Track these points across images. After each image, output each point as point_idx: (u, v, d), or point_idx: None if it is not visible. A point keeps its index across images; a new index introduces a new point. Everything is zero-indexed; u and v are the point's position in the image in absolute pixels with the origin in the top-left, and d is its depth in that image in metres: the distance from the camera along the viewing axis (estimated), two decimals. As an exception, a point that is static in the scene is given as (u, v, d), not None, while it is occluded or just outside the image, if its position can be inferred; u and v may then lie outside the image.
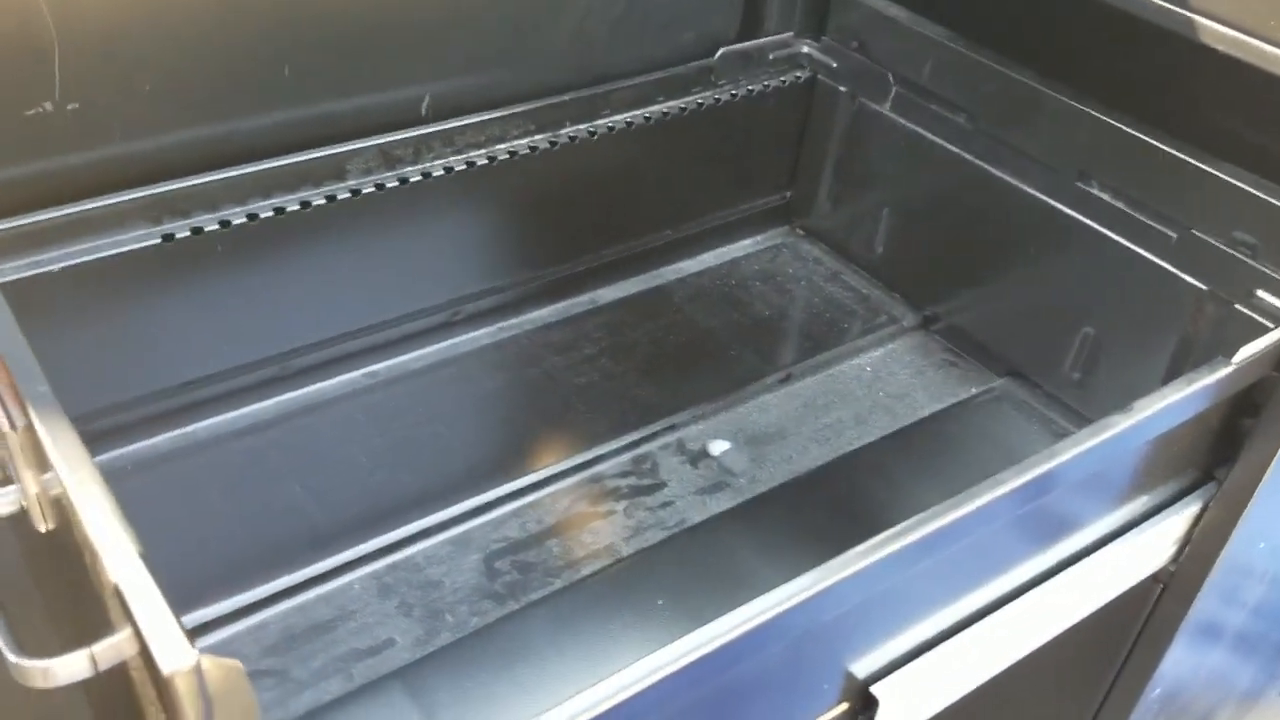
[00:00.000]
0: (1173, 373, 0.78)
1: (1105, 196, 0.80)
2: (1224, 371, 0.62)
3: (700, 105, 0.93)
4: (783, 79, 0.97)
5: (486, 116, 0.82)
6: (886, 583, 0.51)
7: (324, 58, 0.74)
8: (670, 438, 0.82)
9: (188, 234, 0.71)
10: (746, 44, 0.95)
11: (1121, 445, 0.60)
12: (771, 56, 0.96)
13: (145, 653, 0.28)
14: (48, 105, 0.64)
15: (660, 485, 0.78)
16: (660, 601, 0.68)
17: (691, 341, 0.91)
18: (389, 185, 0.78)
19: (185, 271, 0.72)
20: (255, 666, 0.62)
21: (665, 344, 0.91)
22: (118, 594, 0.29)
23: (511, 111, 0.83)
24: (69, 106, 0.65)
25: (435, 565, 0.70)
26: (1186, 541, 0.71)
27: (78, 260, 0.68)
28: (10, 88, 0.63)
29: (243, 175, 0.72)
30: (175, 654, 0.27)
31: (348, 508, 0.73)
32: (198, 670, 0.27)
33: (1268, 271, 0.71)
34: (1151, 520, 0.68)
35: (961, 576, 0.59)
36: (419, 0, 0.76)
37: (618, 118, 0.88)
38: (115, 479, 0.74)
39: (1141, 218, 0.78)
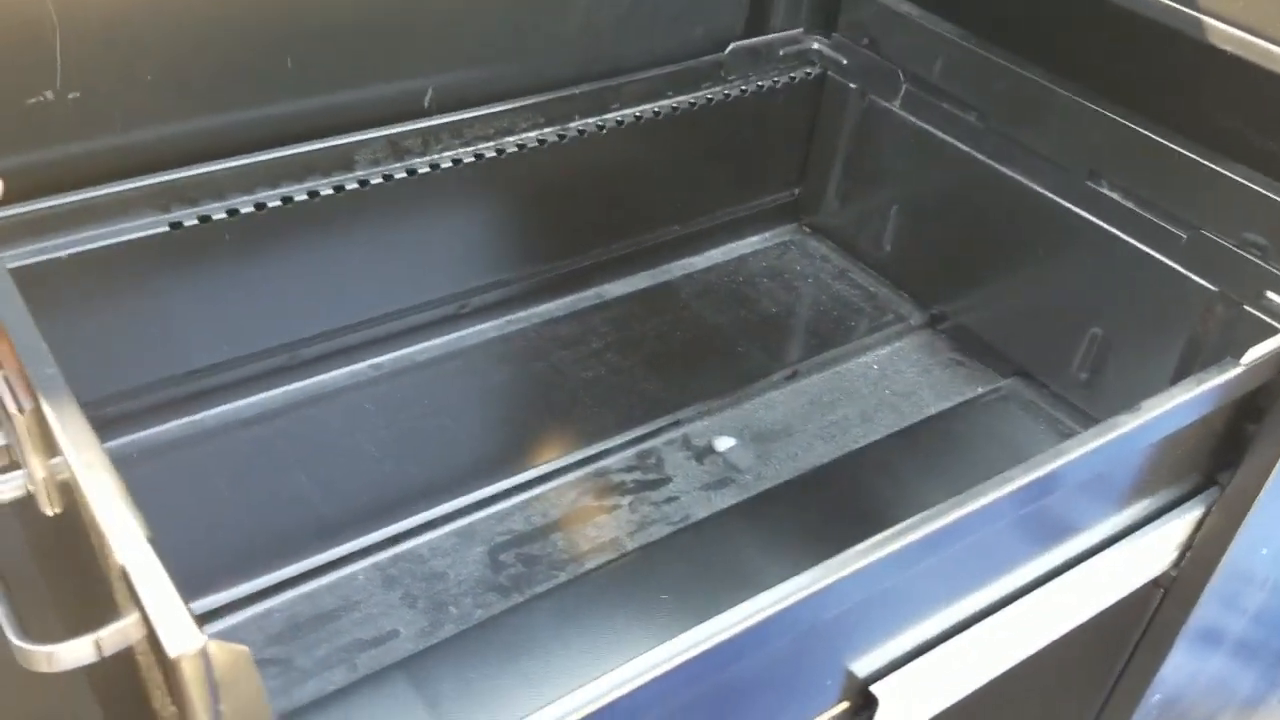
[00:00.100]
0: (1181, 374, 0.78)
1: (1115, 196, 0.79)
2: (1233, 372, 0.62)
3: (710, 100, 0.92)
4: (792, 75, 0.97)
5: (495, 109, 0.82)
6: (888, 581, 0.51)
7: (327, 49, 0.73)
8: (676, 433, 0.82)
9: (195, 222, 0.71)
10: (756, 39, 0.94)
11: (1129, 445, 0.60)
12: (782, 52, 0.96)
13: (152, 636, 0.28)
14: (48, 94, 0.64)
15: (665, 480, 0.78)
16: (664, 596, 0.68)
17: (698, 337, 0.91)
18: (397, 176, 0.78)
19: (193, 260, 0.72)
20: (259, 655, 0.62)
21: (672, 339, 0.91)
22: (125, 577, 0.29)
23: (520, 104, 0.83)
24: (70, 95, 0.65)
25: (440, 557, 0.70)
26: (1188, 546, 0.71)
27: (86, 247, 0.68)
28: (11, 75, 0.63)
29: (251, 164, 0.72)
30: (182, 638, 0.27)
31: (353, 498, 0.73)
32: (204, 654, 0.27)
33: (1278, 273, 0.71)
34: (1153, 524, 0.68)
35: (963, 577, 0.59)
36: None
37: (627, 111, 0.88)
38: (122, 466, 0.75)
39: (1151, 218, 0.78)
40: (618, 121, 0.88)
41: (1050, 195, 0.83)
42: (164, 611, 0.27)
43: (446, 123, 0.80)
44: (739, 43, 0.93)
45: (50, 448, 0.39)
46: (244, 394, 0.78)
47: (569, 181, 0.88)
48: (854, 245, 1.02)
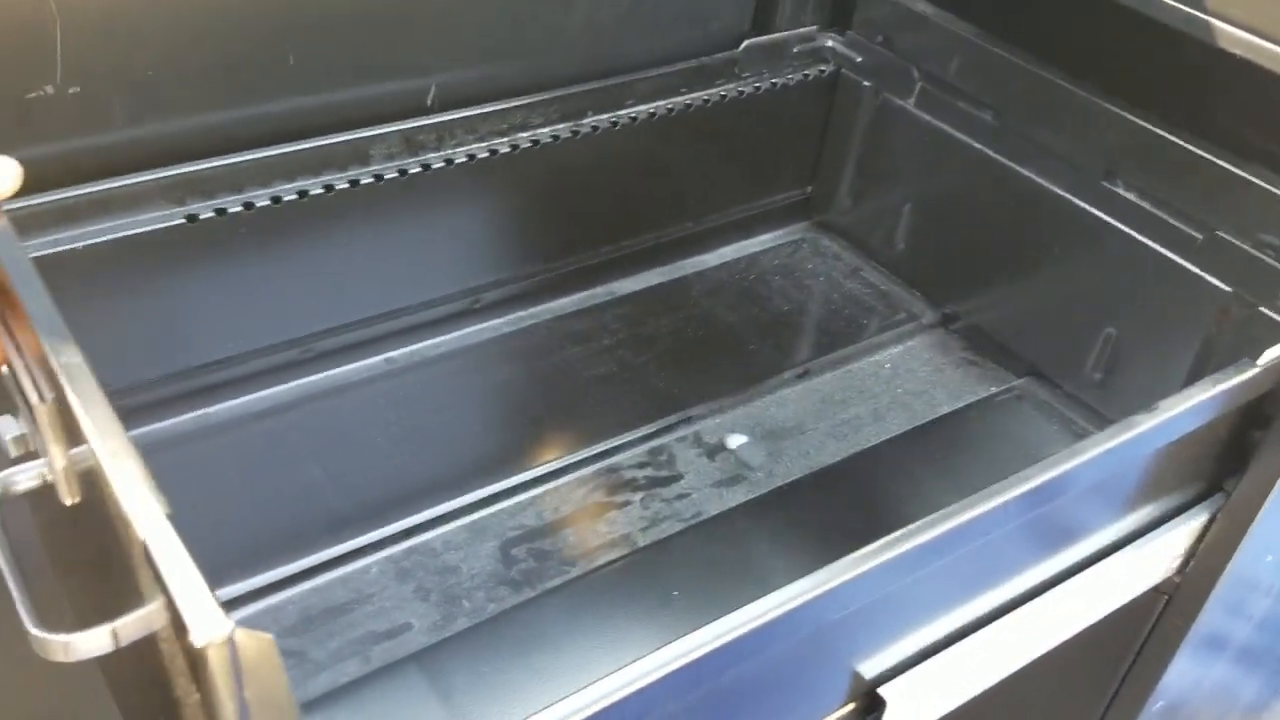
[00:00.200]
0: (1195, 375, 0.77)
1: (1131, 196, 0.79)
2: (1249, 374, 0.62)
3: (723, 97, 0.92)
4: (806, 73, 0.97)
5: (510, 104, 0.82)
6: (896, 584, 0.51)
7: (327, 44, 0.73)
8: (687, 430, 0.82)
9: (211, 215, 0.71)
10: (770, 37, 0.94)
11: (1145, 445, 0.60)
12: (796, 50, 0.96)
13: (177, 624, 0.28)
14: (49, 88, 0.64)
15: (677, 477, 0.78)
16: (675, 592, 0.68)
17: (710, 335, 0.91)
18: (411, 171, 0.78)
19: (208, 252, 0.72)
20: (273, 647, 0.62)
21: (683, 337, 0.91)
22: (151, 564, 0.29)
23: (535, 99, 0.83)
24: (70, 90, 0.65)
25: (452, 551, 0.70)
26: (1192, 553, 0.70)
27: (101, 239, 0.68)
28: (11, 70, 0.63)
29: (267, 158, 0.72)
30: (209, 625, 0.27)
31: (366, 492, 0.73)
32: (231, 642, 0.27)
33: (1294, 275, 0.71)
34: (1158, 530, 0.67)
35: (970, 579, 0.59)
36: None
37: (641, 108, 0.88)
38: (135, 458, 0.75)
39: (1167, 218, 0.77)
40: (631, 118, 0.88)
41: (1065, 195, 0.83)
42: (191, 599, 0.27)
43: (461, 118, 0.80)
44: (752, 40, 0.93)
45: (72, 436, 0.39)
46: (257, 387, 0.78)
47: (582, 177, 0.88)
48: (866, 244, 1.02)
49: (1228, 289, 0.74)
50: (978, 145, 0.88)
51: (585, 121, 0.86)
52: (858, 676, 0.56)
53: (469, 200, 0.83)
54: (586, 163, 0.87)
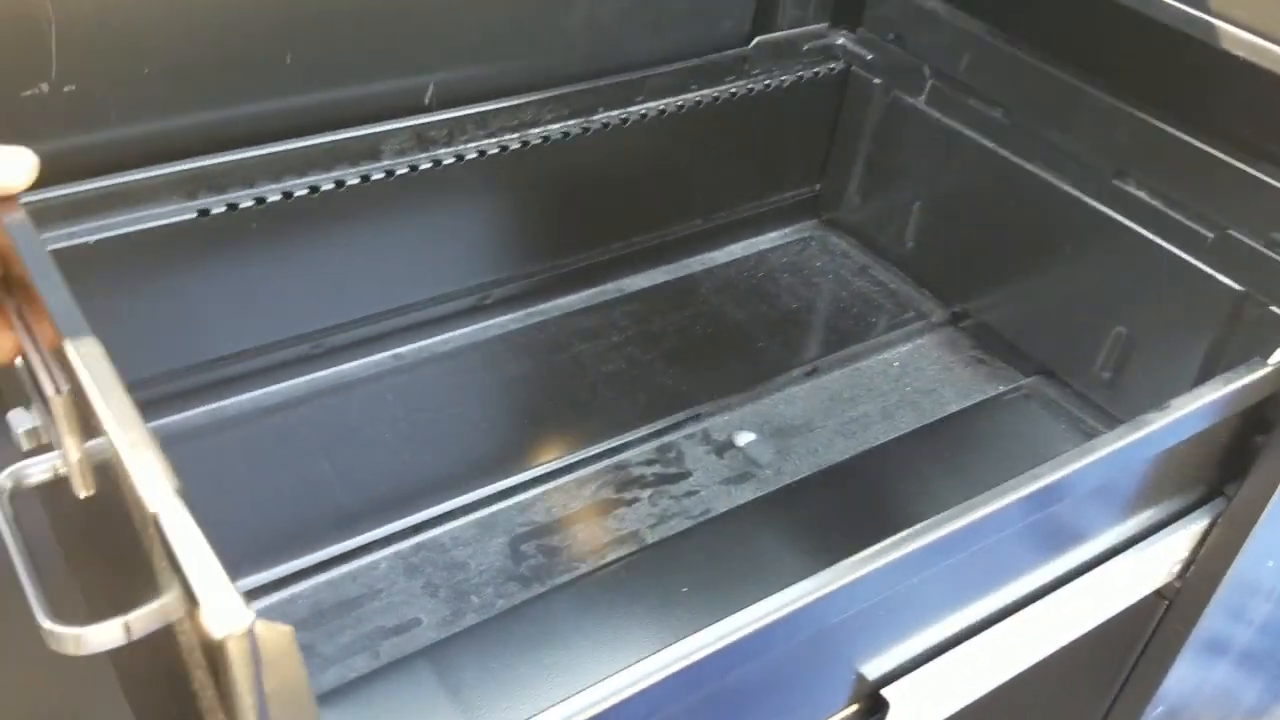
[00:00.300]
0: (1205, 375, 0.77)
1: (1142, 195, 0.79)
2: (1260, 373, 0.61)
3: (733, 94, 0.92)
4: (817, 70, 0.97)
5: (521, 100, 0.82)
6: (900, 585, 0.51)
7: (331, 41, 0.73)
8: (696, 427, 0.82)
9: (223, 210, 0.71)
10: (781, 34, 0.94)
11: (1156, 444, 0.60)
12: (806, 47, 0.96)
13: (195, 615, 0.28)
14: (44, 86, 0.64)
15: (685, 474, 0.78)
16: (684, 589, 0.68)
17: (718, 332, 0.91)
18: (422, 167, 0.78)
19: (219, 247, 0.72)
20: (283, 641, 0.62)
21: (692, 334, 0.91)
22: (170, 556, 0.29)
23: (545, 95, 0.83)
24: (65, 88, 0.64)
25: (461, 547, 0.70)
26: (1193, 558, 0.70)
27: (113, 233, 0.68)
28: (5, 68, 0.63)
29: (278, 152, 0.72)
30: (230, 616, 0.27)
31: (375, 487, 0.73)
32: (251, 634, 0.27)
33: (1306, 275, 0.71)
34: (1159, 534, 0.67)
35: (973, 582, 0.58)
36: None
37: (651, 104, 0.88)
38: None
39: (1178, 217, 0.77)
40: (641, 115, 0.88)
41: (1076, 193, 0.82)
42: (211, 590, 0.27)
43: (473, 113, 0.80)
44: (763, 37, 0.93)
45: (88, 428, 0.39)
46: (267, 382, 0.79)
47: (591, 174, 0.88)
48: (875, 241, 1.01)
49: (1239, 288, 0.74)
50: (988, 143, 0.88)
51: (596, 118, 0.86)
52: (861, 678, 0.55)
53: (479, 196, 0.83)
54: (596, 159, 0.87)
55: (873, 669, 0.55)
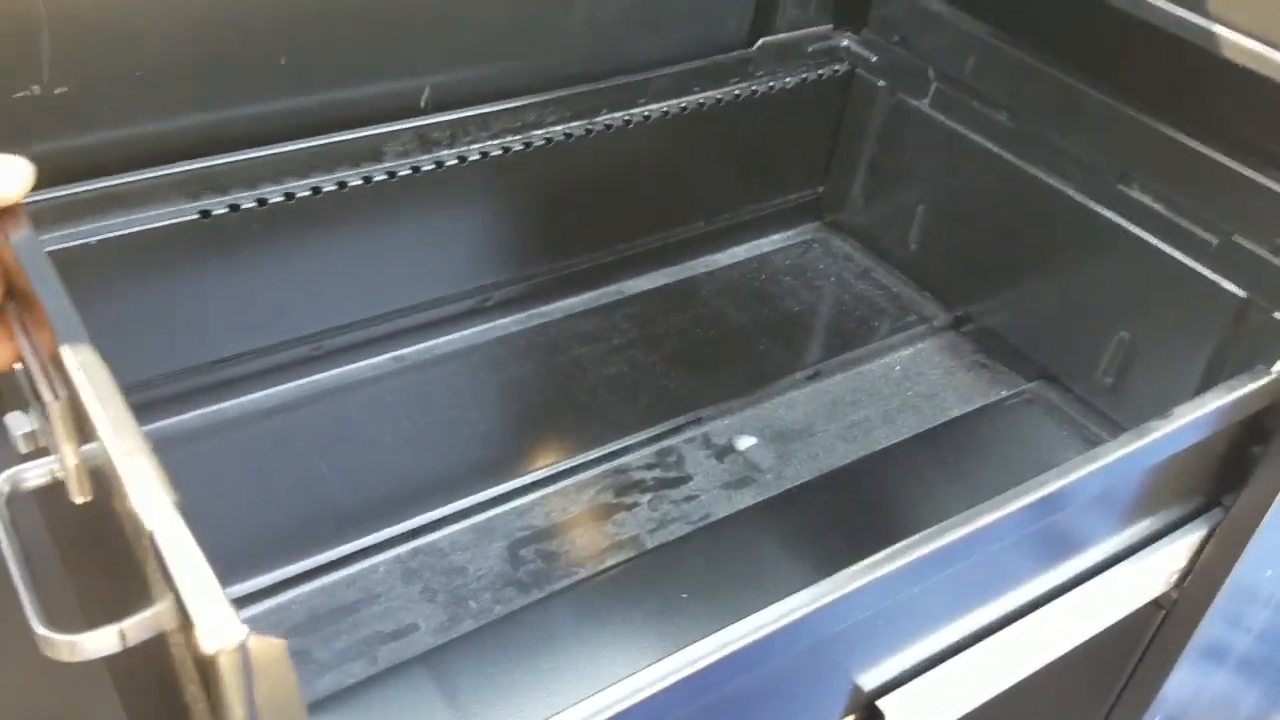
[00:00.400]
0: (1208, 381, 0.77)
1: (1146, 199, 0.79)
2: (1264, 381, 0.61)
3: (737, 96, 0.92)
4: (821, 72, 0.96)
5: (522, 102, 0.81)
6: (898, 595, 0.51)
7: (328, 42, 0.72)
8: (696, 431, 0.82)
9: (224, 211, 0.71)
10: (785, 36, 0.94)
11: (1158, 452, 0.59)
12: (811, 49, 0.96)
13: (187, 628, 0.28)
14: (35, 88, 0.63)
15: (685, 479, 0.78)
16: (684, 595, 0.67)
17: (720, 335, 0.91)
18: (424, 168, 0.78)
19: (220, 248, 0.72)
20: (281, 646, 0.62)
21: (693, 337, 0.90)
22: (162, 566, 0.29)
23: (548, 97, 0.83)
24: (58, 90, 0.64)
25: (460, 551, 0.70)
26: (1190, 568, 0.70)
27: (115, 234, 0.68)
28: None
29: (280, 154, 0.72)
30: (221, 630, 0.27)
31: (374, 490, 0.73)
32: (244, 648, 0.27)
33: (1310, 281, 0.70)
34: (1156, 544, 0.67)
35: (970, 592, 0.58)
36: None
37: (654, 106, 0.88)
38: (144, 454, 0.74)
39: (1182, 222, 0.77)
40: (644, 116, 0.87)
41: (1080, 197, 0.82)
42: (203, 603, 0.27)
43: (475, 115, 0.80)
44: (767, 38, 0.93)
45: (85, 434, 0.38)
46: (267, 384, 0.78)
47: (593, 176, 0.88)
48: (878, 244, 1.01)
49: (1243, 294, 0.74)
50: (993, 147, 0.88)
51: (598, 120, 0.86)
52: (857, 689, 0.55)
53: (480, 198, 0.83)
54: (598, 161, 0.87)
55: (869, 680, 0.55)
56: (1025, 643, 0.62)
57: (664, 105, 0.89)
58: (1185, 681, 0.76)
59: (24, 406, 0.44)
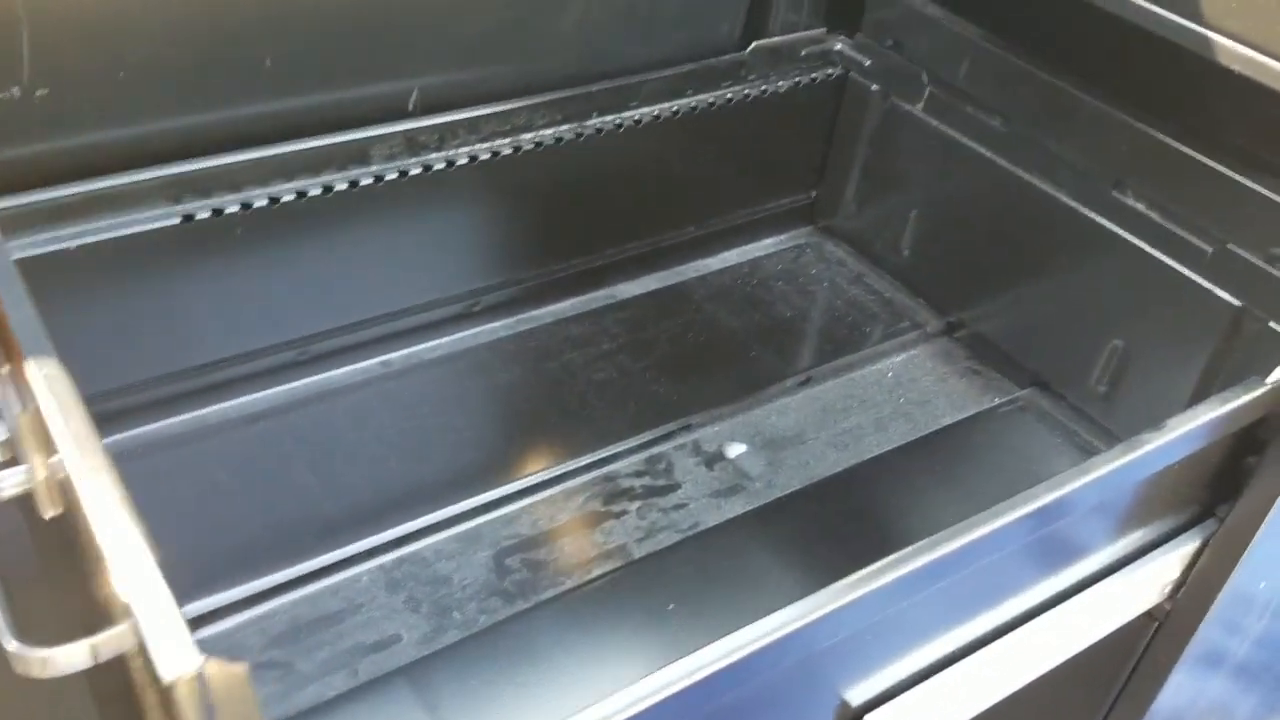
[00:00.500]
0: (1202, 390, 0.76)
1: (1140, 207, 0.78)
2: (1258, 392, 0.60)
3: (730, 100, 0.91)
4: (814, 75, 0.95)
5: (513, 105, 0.81)
6: (888, 610, 0.50)
7: (315, 45, 0.72)
8: (686, 438, 0.81)
9: (208, 215, 0.70)
10: (778, 39, 0.93)
11: (1150, 465, 0.58)
12: (804, 52, 0.95)
13: (144, 653, 0.27)
14: (15, 90, 0.63)
15: (674, 486, 0.77)
16: (671, 606, 0.67)
17: (711, 341, 0.90)
18: (412, 172, 0.77)
19: (204, 252, 0.71)
20: (260, 658, 0.61)
21: (684, 342, 0.90)
22: (119, 593, 0.28)
23: (537, 100, 0.82)
24: (38, 92, 0.63)
25: (445, 560, 0.69)
26: (1184, 579, 0.69)
27: (96, 238, 0.67)
28: None
29: (265, 157, 0.71)
30: (178, 659, 0.26)
31: (358, 498, 0.72)
32: (201, 677, 0.26)
33: (1306, 291, 0.70)
34: (1149, 556, 0.66)
35: (960, 605, 0.57)
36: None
37: (645, 110, 0.87)
38: (125, 461, 0.73)
39: (1177, 230, 0.76)
40: (635, 120, 0.87)
41: (1074, 204, 0.81)
42: (160, 631, 0.26)
43: (464, 118, 0.79)
44: (760, 42, 0.92)
45: (50, 446, 0.38)
46: (251, 389, 0.78)
47: (584, 180, 0.87)
48: (871, 249, 1.00)
49: (1238, 303, 0.73)
50: (986, 152, 0.87)
51: (589, 123, 0.85)
52: (844, 704, 0.54)
53: (469, 201, 0.82)
54: (589, 165, 0.86)
55: (856, 694, 0.54)
56: (1015, 656, 0.61)
57: (655, 109, 0.88)
58: (1178, 693, 0.75)
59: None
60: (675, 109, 0.89)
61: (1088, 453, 0.82)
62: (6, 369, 0.42)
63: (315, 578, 0.67)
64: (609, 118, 0.86)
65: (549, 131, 0.83)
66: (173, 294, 0.72)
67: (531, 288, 0.89)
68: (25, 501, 0.43)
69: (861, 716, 0.54)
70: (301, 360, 0.80)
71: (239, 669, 0.28)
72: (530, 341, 0.88)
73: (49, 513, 0.41)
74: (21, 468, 0.42)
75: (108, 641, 0.34)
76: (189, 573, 0.65)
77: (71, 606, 0.57)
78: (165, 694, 0.27)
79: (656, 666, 0.42)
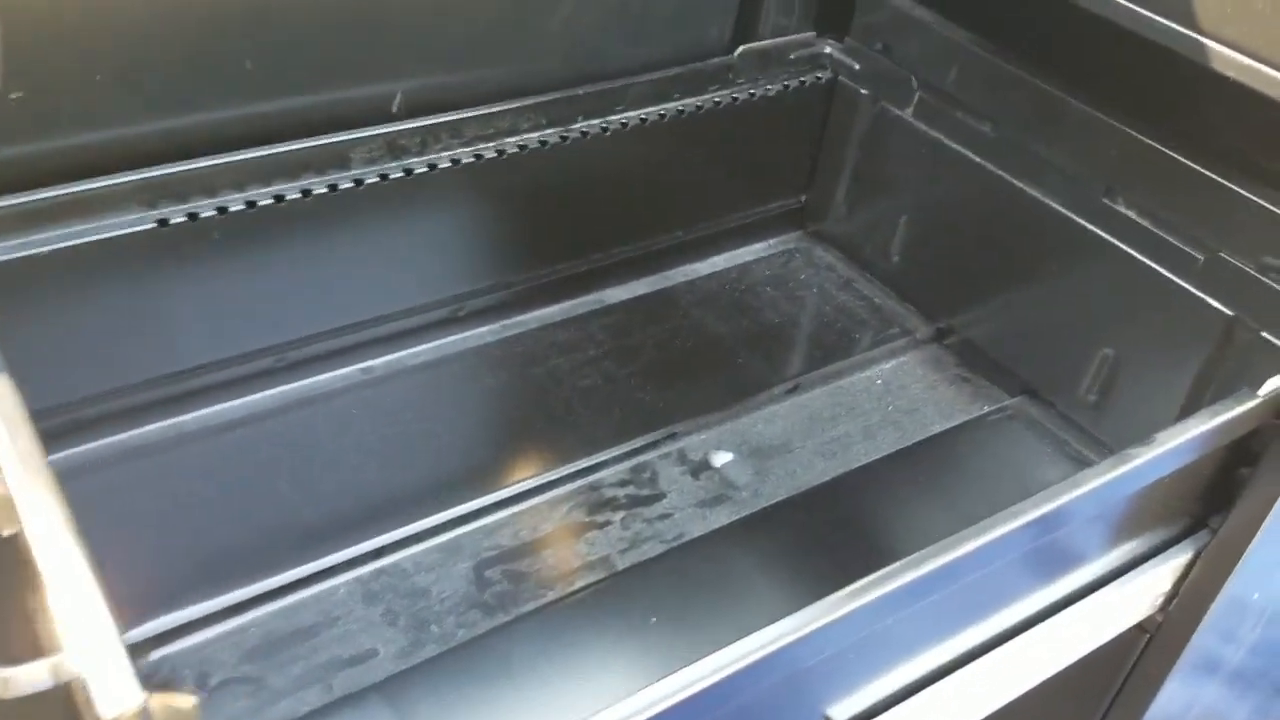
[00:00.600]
0: (1193, 400, 0.75)
1: (1131, 214, 0.77)
2: (1249, 404, 0.59)
3: (718, 104, 0.90)
4: (803, 79, 0.94)
5: (496, 108, 0.80)
6: (874, 626, 0.49)
7: (294, 46, 0.70)
8: (671, 447, 0.80)
9: (184, 219, 0.69)
10: (767, 43, 0.92)
11: (1139, 479, 0.58)
12: (793, 56, 0.94)
13: (84, 686, 0.26)
14: None
15: (659, 496, 0.76)
16: (654, 619, 0.66)
17: (698, 347, 0.89)
18: (393, 176, 0.76)
19: (180, 258, 0.70)
20: (232, 674, 0.60)
21: (671, 348, 0.89)
22: (58, 621, 0.27)
23: (522, 104, 0.81)
24: (13, 95, 0.62)
25: (424, 572, 0.68)
26: (1176, 591, 0.68)
27: (69, 243, 0.66)
28: None
29: (242, 161, 0.70)
30: (118, 694, 0.25)
31: (337, 507, 0.71)
32: (145, 713, 0.25)
33: (1298, 300, 0.69)
34: (1140, 568, 0.65)
35: (948, 619, 0.56)
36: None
37: (632, 113, 0.86)
38: (99, 469, 0.72)
39: (1168, 238, 0.75)
40: (622, 124, 0.86)
41: (1064, 211, 0.80)
42: (99, 664, 0.25)
43: (446, 121, 0.78)
44: (748, 45, 0.91)
45: None
46: (228, 396, 0.76)
47: (570, 184, 0.86)
48: (860, 255, 0.99)
49: (1229, 312, 0.72)
50: (976, 157, 0.86)
51: (575, 127, 0.84)
52: (826, 722, 0.53)
53: (454, 206, 0.81)
54: (575, 169, 0.85)
55: (840, 711, 0.53)
56: (1004, 670, 0.60)
57: (643, 112, 0.87)
58: (1170, 703, 0.74)
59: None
60: (663, 112, 0.88)
61: (1077, 462, 0.81)
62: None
63: (291, 590, 0.65)
64: (595, 121, 0.85)
65: (534, 135, 0.82)
66: (149, 300, 0.71)
67: (517, 293, 0.88)
68: None
69: (844, 735, 0.53)
70: (280, 366, 0.78)
71: (186, 703, 0.26)
72: (516, 347, 0.86)
73: (6, 530, 0.40)
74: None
75: (58, 666, 0.33)
76: (161, 585, 0.64)
77: (38, 626, 0.56)
78: (107, 730, 0.26)
79: (638, 681, 0.41)
